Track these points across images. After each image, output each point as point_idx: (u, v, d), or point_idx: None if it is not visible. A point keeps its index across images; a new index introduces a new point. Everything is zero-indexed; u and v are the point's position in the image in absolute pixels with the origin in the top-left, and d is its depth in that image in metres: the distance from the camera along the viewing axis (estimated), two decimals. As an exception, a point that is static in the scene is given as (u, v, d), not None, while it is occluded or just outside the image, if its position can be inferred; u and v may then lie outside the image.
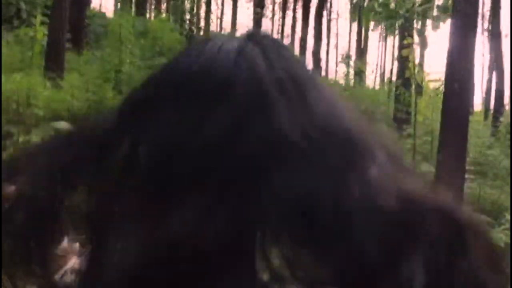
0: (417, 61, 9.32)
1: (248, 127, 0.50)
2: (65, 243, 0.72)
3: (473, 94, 5.62)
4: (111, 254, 0.51)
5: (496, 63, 15.95)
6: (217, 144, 0.49)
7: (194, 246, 0.47)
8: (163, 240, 0.47)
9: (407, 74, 7.21)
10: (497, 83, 15.49)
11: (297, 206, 0.48)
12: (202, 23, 20.24)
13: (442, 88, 6.78)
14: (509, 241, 5.71)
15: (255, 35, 0.57)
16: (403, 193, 0.50)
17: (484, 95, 17.12)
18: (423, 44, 11.40)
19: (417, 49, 12.00)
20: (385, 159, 0.52)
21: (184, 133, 0.50)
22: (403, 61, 8.34)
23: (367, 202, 0.48)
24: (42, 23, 8.95)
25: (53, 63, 8.09)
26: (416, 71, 7.23)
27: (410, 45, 7.04)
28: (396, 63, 13.51)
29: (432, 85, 9.16)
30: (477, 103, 17.07)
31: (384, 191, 0.49)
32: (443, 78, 5.79)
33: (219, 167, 0.49)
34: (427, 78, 8.61)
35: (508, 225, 6.25)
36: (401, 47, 8.83)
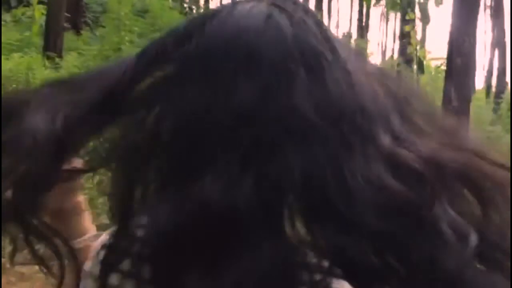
0: (419, 38, 9.22)
1: (271, 99, 0.51)
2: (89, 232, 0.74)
3: (475, 72, 5.57)
4: (140, 224, 0.53)
5: (498, 41, 15.83)
6: (242, 113, 0.50)
7: (222, 210, 0.49)
8: (193, 205, 0.49)
9: (409, 50, 7.14)
10: (499, 61, 15.38)
11: (305, 182, 0.50)
12: (202, 1, 20.04)
13: (443, 67, 6.73)
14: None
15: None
16: (421, 156, 0.51)
17: (486, 73, 17.01)
18: (425, 19, 11.26)
19: (419, 27, 11.88)
20: (401, 126, 0.54)
21: (212, 102, 0.51)
22: (405, 36, 8.26)
23: (375, 180, 0.50)
24: (40, 2, 8.86)
25: (52, 43, 8.03)
26: (418, 47, 7.17)
27: (412, 21, 6.96)
28: (397, 41, 13.40)
29: (433, 64, 9.09)
30: (479, 81, 16.98)
31: (397, 161, 0.51)
32: (444, 57, 5.74)
33: (244, 136, 0.50)
34: (428, 56, 8.54)
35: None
36: (403, 23, 8.74)
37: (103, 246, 0.59)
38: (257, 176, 0.49)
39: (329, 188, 0.50)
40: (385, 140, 0.52)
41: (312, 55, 0.53)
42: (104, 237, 0.63)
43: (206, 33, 0.54)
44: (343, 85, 0.53)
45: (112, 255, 0.57)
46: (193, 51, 0.54)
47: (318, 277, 0.50)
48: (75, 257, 0.66)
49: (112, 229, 0.59)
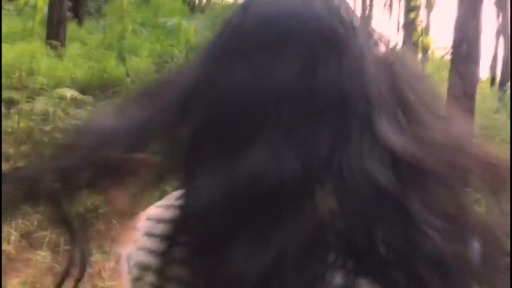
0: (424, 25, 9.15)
1: (308, 76, 0.55)
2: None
3: (479, 60, 5.53)
4: (194, 193, 0.57)
5: (502, 30, 15.71)
6: (282, 89, 0.55)
7: (267, 180, 0.53)
8: (242, 175, 0.54)
9: (414, 38, 7.09)
10: (504, 50, 15.28)
11: (321, 163, 0.54)
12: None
13: (447, 56, 6.67)
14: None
15: None
16: (411, 150, 0.55)
17: (490, 62, 16.92)
18: (430, 6, 11.17)
19: (423, 15, 11.79)
20: (402, 114, 0.57)
21: (257, 78, 0.56)
22: (409, 24, 8.20)
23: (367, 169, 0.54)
24: (42, -9, 8.82)
25: (55, 32, 8.01)
26: (422, 34, 7.12)
27: (417, 8, 6.91)
28: (401, 31, 13.34)
29: (437, 53, 9.02)
30: (484, 70, 16.87)
31: (390, 151, 0.55)
32: (449, 46, 5.69)
33: (285, 110, 0.55)
34: (433, 46, 8.48)
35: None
36: (408, 10, 8.67)
37: (150, 219, 0.64)
38: (298, 148, 0.54)
39: (334, 164, 0.54)
40: (383, 128, 0.56)
41: (341, 39, 0.57)
42: (148, 213, 0.66)
43: (251, 14, 0.59)
44: (358, 70, 0.57)
45: (179, 222, 0.59)
46: (240, 33, 0.58)
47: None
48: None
49: (157, 203, 0.64)
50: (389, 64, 0.61)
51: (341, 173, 0.54)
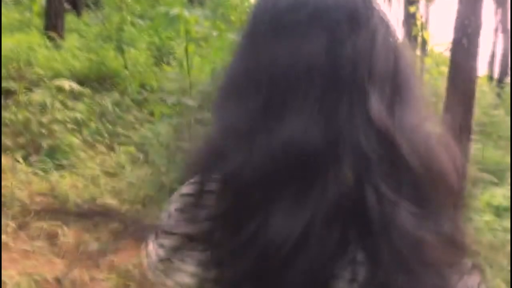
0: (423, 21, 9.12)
1: (334, 50, 0.61)
2: None
3: (478, 56, 5.52)
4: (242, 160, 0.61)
5: (501, 26, 15.70)
6: (313, 62, 0.61)
7: (300, 147, 0.59)
8: (279, 143, 0.59)
9: (414, 32, 7.07)
10: (503, 46, 15.28)
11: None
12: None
13: (446, 52, 6.64)
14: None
15: None
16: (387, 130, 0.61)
17: (489, 58, 16.91)
18: (429, 0, 11.17)
19: (422, 10, 11.75)
20: (392, 97, 0.63)
21: (290, 53, 0.62)
22: (409, 19, 8.17)
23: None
24: (40, -18, 8.75)
25: (53, 23, 7.95)
26: (421, 29, 7.10)
27: (417, 1, 6.88)
28: (401, 26, 13.32)
29: (437, 49, 9.01)
30: (482, 66, 16.87)
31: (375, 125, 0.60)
32: (447, 42, 5.68)
33: (314, 82, 0.61)
34: (432, 42, 8.46)
35: (513, 184, 6.25)
36: (407, 3, 8.63)
37: (184, 195, 0.67)
38: (326, 117, 0.60)
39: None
40: (375, 105, 0.61)
41: (362, 18, 0.64)
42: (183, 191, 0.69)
43: None
44: (369, 48, 0.63)
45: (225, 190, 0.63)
46: (275, 13, 0.65)
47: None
48: None
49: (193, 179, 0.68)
50: (394, 47, 0.66)
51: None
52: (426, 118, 0.67)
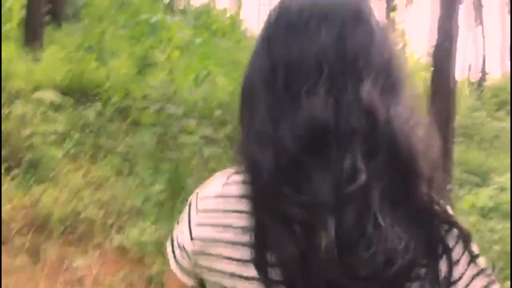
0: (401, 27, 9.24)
1: (340, 43, 0.74)
2: None
3: (455, 60, 5.60)
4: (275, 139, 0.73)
5: (477, 32, 15.94)
6: (322, 53, 0.74)
7: (317, 124, 0.71)
8: (301, 121, 0.72)
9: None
10: (483, 50, 15.52)
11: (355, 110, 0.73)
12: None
13: (423, 59, 6.70)
14: (499, 201, 5.77)
15: None
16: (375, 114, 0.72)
17: (468, 61, 17.15)
18: (409, 2, 11.31)
19: (402, 16, 11.87)
20: (382, 85, 0.74)
21: (303, 47, 0.75)
22: (391, 23, 8.25)
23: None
24: (19, -6, 8.63)
25: (32, 35, 7.85)
26: (401, 35, 7.17)
27: (396, 7, 6.95)
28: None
29: (415, 56, 9.11)
30: (461, 70, 17.11)
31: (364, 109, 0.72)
32: (424, 49, 5.74)
33: (325, 69, 0.73)
34: (409, 49, 8.54)
35: (497, 186, 6.31)
36: (389, 9, 8.73)
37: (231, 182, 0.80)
38: (336, 100, 0.72)
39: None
40: (366, 87, 0.72)
41: (363, 16, 0.77)
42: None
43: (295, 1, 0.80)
44: (368, 40, 0.75)
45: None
46: (289, 16, 0.78)
47: None
48: None
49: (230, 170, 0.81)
50: (390, 41, 0.79)
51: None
52: (414, 111, 0.76)
